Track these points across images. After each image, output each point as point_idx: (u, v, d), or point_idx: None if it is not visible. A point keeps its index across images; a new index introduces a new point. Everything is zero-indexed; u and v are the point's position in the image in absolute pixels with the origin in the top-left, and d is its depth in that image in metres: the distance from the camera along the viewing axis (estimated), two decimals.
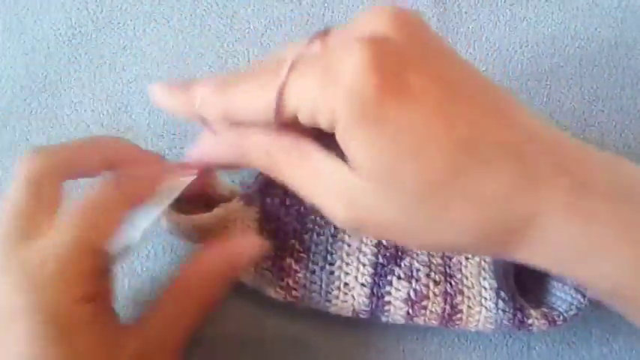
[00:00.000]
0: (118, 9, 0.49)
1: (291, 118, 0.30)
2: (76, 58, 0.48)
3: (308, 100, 0.29)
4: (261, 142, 0.32)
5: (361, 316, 0.39)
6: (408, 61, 0.28)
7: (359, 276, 0.39)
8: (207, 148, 0.35)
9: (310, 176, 0.31)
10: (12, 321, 0.31)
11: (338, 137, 0.29)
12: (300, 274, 0.39)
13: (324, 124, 0.29)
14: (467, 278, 0.39)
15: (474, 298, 0.38)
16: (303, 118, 0.29)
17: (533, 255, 0.30)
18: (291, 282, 0.39)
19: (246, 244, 0.38)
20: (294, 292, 0.39)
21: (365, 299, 0.38)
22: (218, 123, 0.33)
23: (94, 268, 0.33)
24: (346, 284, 0.39)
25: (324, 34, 0.31)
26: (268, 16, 0.49)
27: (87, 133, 0.47)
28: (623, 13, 0.49)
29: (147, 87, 0.46)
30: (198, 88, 0.32)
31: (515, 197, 0.28)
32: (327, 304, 0.39)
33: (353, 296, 0.38)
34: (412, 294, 0.38)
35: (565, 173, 0.29)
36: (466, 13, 0.49)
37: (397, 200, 0.29)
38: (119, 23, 0.49)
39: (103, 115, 0.47)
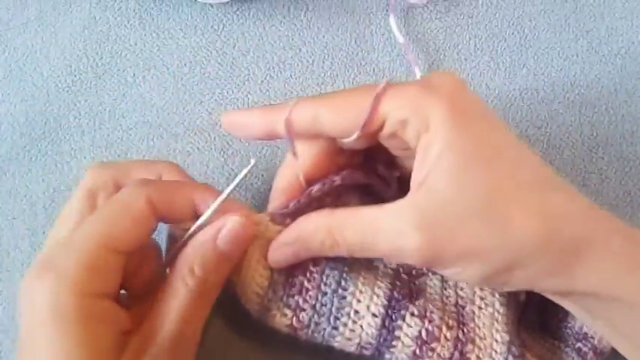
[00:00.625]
0: (118, 56, 0.49)
1: (379, 125, 0.34)
2: (75, 105, 0.49)
3: (403, 106, 0.33)
4: (321, 222, 0.35)
5: (365, 351, 0.38)
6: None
7: (371, 305, 0.37)
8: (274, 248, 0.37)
9: (375, 230, 0.34)
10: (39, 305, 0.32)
11: (424, 142, 0.32)
12: (311, 293, 0.37)
13: (411, 129, 0.33)
14: (479, 328, 0.38)
15: (485, 349, 0.38)
16: (391, 125, 0.33)
17: (582, 277, 0.33)
18: (300, 301, 0.37)
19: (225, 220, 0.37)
20: (302, 315, 0.37)
21: (374, 330, 0.37)
22: (304, 134, 0.36)
23: (107, 267, 0.33)
24: (357, 312, 0.37)
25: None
26: (268, 63, 0.49)
27: None
28: (622, 60, 0.49)
29: (148, 133, 0.47)
30: (287, 103, 0.35)
31: (574, 217, 0.32)
32: (334, 331, 0.38)
33: (362, 326, 0.37)
34: (424, 333, 0.37)
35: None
36: (466, 60, 0.49)
37: (466, 204, 0.32)
38: (119, 70, 0.49)
39: (103, 162, 0.47)
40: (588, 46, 0.50)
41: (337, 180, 0.36)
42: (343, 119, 0.34)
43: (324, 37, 0.50)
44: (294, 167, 0.37)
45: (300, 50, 0.50)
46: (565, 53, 0.50)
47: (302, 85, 0.49)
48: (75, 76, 0.49)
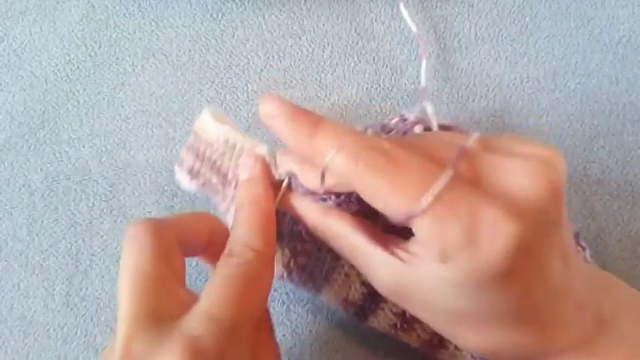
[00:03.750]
0: (117, 45, 0.49)
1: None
2: (74, 94, 0.48)
3: (435, 238, 0.28)
4: (314, 217, 0.35)
5: (350, 309, 0.39)
6: (540, 248, 0.29)
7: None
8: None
9: (357, 261, 0.34)
10: None
11: (431, 270, 0.30)
12: (307, 245, 0.38)
13: (432, 255, 0.29)
14: None
15: None
16: (419, 238, 0.30)
17: None
18: (299, 247, 0.38)
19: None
20: (299, 259, 0.38)
21: (360, 295, 0.38)
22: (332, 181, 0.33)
23: (248, 340, 0.32)
24: (347, 275, 0.38)
25: (480, 141, 0.31)
26: (267, 52, 0.49)
27: (85, 169, 0.47)
28: (624, 49, 0.49)
29: (146, 122, 0.47)
30: (327, 142, 0.31)
31: (521, 351, 0.31)
32: (324, 282, 0.39)
33: (350, 286, 0.38)
34: (408, 313, 0.37)
35: (580, 316, 0.32)
36: (467, 48, 0.49)
37: (435, 309, 0.31)
38: (117, 59, 0.49)
39: (102, 151, 0.47)
40: (589, 35, 0.50)
41: (353, 207, 0.36)
42: (377, 205, 0.30)
43: (323, 25, 0.50)
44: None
45: (299, 39, 0.49)
46: (566, 42, 0.49)
47: (302, 74, 0.49)
48: (73, 64, 0.49)
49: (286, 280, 0.39)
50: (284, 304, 0.43)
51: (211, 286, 0.31)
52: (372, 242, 0.32)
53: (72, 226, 0.46)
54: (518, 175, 0.29)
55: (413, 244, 0.31)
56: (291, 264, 0.38)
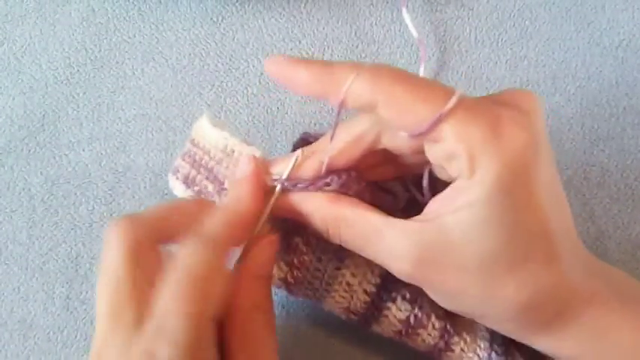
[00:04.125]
0: (117, 48, 0.49)
1: (430, 141, 0.31)
2: (74, 97, 0.48)
3: (462, 141, 0.30)
4: (323, 208, 0.35)
5: (352, 316, 0.39)
6: (542, 152, 0.32)
7: (364, 282, 0.38)
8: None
9: (373, 241, 0.34)
10: None
11: (461, 184, 0.31)
12: (305, 257, 0.38)
13: (456, 165, 0.31)
14: (468, 323, 0.38)
15: (471, 343, 0.38)
16: (443, 149, 0.31)
17: (542, 344, 0.35)
18: (296, 261, 0.38)
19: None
20: (296, 272, 0.38)
21: (363, 304, 0.38)
22: (357, 109, 0.33)
23: (212, 336, 0.31)
24: (349, 284, 0.38)
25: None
26: (267, 55, 0.49)
27: (85, 172, 0.47)
28: (624, 52, 0.49)
29: (146, 126, 0.47)
30: (346, 69, 0.32)
31: (561, 292, 0.33)
32: (325, 293, 0.38)
33: (352, 296, 0.38)
34: (412, 319, 0.38)
35: (593, 279, 0.34)
36: (466, 52, 0.49)
37: (468, 259, 0.32)
38: (117, 62, 0.49)
39: (102, 154, 0.47)
40: (589, 38, 0.50)
41: (350, 193, 0.35)
42: (399, 120, 0.31)
43: (323, 29, 0.50)
44: (322, 151, 0.35)
45: (299, 42, 0.49)
46: (566, 45, 0.49)
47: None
48: (73, 68, 0.49)
49: (285, 290, 0.39)
50: (283, 307, 0.43)
51: (163, 291, 0.31)
52: (389, 216, 0.33)
53: (72, 229, 0.46)
54: (517, 98, 0.32)
55: (423, 215, 0.33)
56: (289, 278, 0.38)
